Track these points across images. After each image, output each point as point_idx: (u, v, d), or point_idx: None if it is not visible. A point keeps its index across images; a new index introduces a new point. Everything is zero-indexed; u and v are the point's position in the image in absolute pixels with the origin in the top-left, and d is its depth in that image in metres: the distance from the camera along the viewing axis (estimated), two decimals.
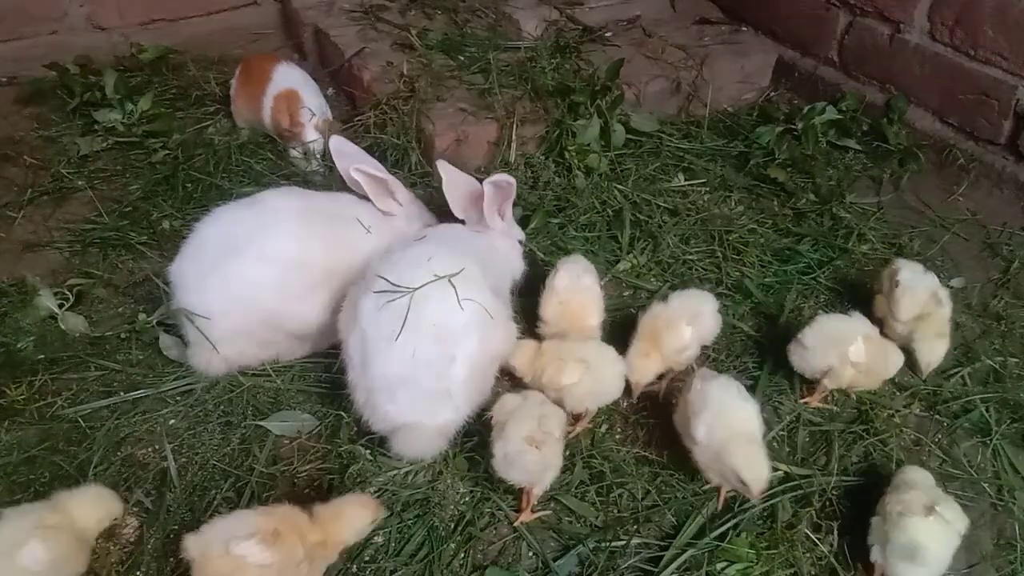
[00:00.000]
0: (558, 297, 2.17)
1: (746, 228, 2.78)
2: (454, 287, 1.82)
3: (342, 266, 2.07)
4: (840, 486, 1.95)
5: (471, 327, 1.86)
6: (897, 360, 2.16)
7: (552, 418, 1.85)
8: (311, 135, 2.92)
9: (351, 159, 2.22)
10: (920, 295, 2.22)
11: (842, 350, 2.06)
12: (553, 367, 2.00)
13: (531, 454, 1.75)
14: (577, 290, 2.19)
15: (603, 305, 2.23)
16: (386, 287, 1.82)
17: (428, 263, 1.86)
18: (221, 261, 2.01)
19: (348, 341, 1.90)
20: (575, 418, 2.07)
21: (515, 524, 1.84)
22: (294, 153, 2.96)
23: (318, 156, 2.95)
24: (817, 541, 1.82)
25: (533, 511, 1.85)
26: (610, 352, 2.07)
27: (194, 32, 3.93)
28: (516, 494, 1.88)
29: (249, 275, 2.00)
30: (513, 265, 2.37)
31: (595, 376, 2.00)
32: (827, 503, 1.91)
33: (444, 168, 2.30)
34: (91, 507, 1.69)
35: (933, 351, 2.19)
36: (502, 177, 2.14)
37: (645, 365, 2.09)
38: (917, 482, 1.80)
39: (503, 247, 2.32)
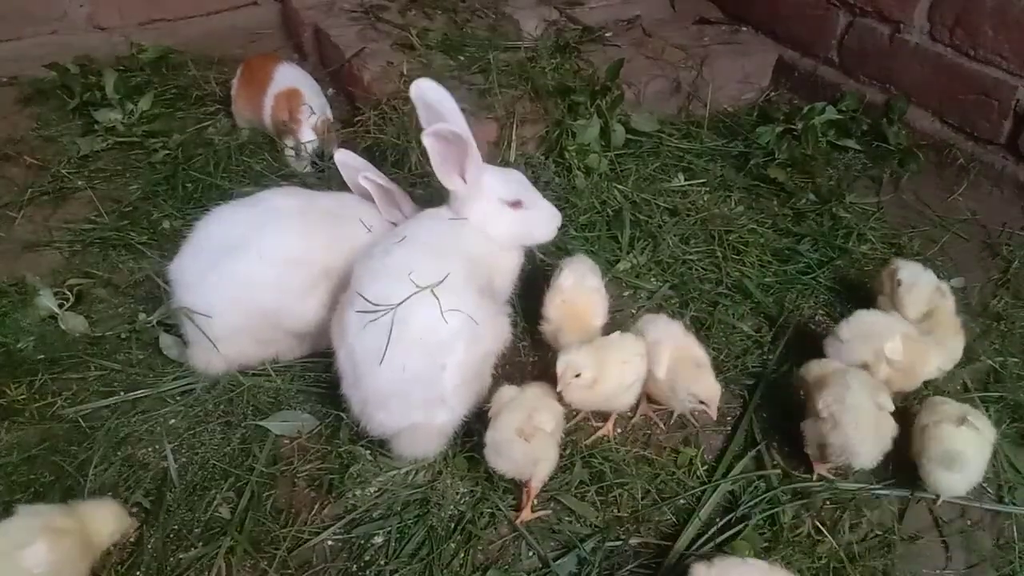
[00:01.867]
0: (562, 296, 2.16)
1: (746, 228, 2.78)
2: (437, 299, 1.78)
3: (341, 265, 2.07)
4: (840, 486, 1.95)
5: (459, 335, 1.82)
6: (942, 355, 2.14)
7: (545, 412, 1.84)
8: (308, 134, 2.92)
9: (356, 170, 2.21)
10: (924, 290, 2.22)
11: (877, 346, 2.04)
12: (616, 369, 1.94)
13: (519, 444, 1.75)
14: (582, 291, 2.17)
15: (607, 305, 2.22)
16: (368, 307, 1.78)
17: (410, 276, 1.79)
18: (221, 260, 2.01)
19: (339, 355, 1.88)
20: (603, 418, 2.07)
21: (515, 522, 1.83)
22: (288, 151, 2.96)
23: (312, 156, 2.95)
24: (819, 541, 1.81)
25: (533, 510, 1.85)
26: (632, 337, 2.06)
27: (194, 32, 3.93)
28: (516, 494, 1.89)
29: (249, 274, 2.00)
30: (503, 254, 2.14)
31: (640, 369, 2.00)
32: (827, 503, 1.91)
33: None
34: (106, 520, 1.68)
35: (953, 351, 2.18)
36: (443, 127, 1.84)
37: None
38: (947, 399, 1.94)
39: (488, 219, 2.08)
